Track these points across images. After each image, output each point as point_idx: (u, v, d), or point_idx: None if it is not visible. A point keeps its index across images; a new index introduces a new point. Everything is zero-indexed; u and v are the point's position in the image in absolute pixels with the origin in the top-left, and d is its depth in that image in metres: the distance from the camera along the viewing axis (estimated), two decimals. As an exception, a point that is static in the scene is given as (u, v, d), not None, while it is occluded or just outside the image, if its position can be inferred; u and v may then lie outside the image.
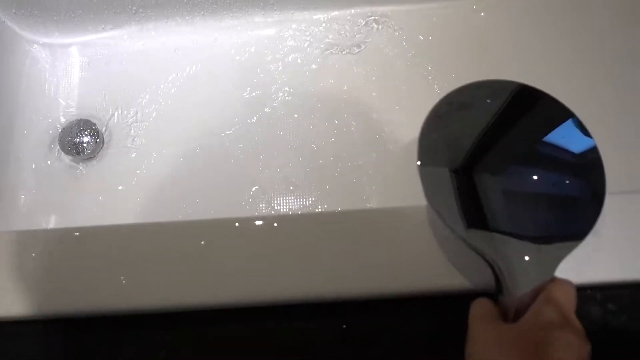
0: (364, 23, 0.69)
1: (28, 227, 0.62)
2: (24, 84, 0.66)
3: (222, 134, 0.65)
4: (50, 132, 0.65)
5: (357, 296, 0.41)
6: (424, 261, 0.41)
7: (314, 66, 0.68)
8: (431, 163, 0.39)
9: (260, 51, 0.68)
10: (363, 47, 0.69)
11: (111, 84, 0.67)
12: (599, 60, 0.64)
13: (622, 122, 0.59)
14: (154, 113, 0.66)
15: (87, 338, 0.41)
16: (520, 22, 0.68)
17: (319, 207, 0.62)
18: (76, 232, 0.40)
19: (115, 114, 0.66)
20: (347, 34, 0.69)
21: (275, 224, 0.41)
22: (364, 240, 0.42)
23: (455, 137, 0.40)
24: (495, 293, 0.37)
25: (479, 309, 0.37)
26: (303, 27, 0.69)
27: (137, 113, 0.66)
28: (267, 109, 0.66)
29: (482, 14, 0.69)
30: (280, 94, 0.67)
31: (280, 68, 0.68)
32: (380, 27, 0.69)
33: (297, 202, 0.63)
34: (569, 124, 0.40)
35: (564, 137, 0.39)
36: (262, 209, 0.62)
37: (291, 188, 0.63)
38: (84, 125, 0.65)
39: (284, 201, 0.63)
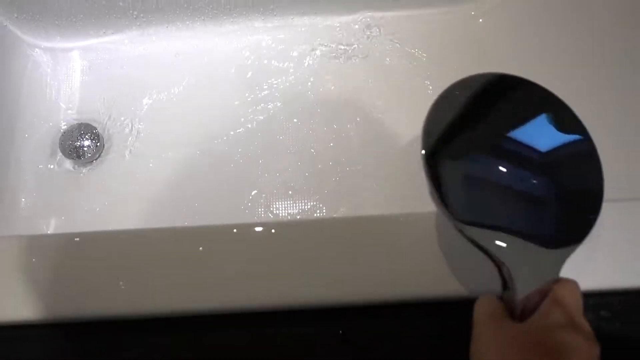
0: (364, 28, 0.70)
1: (28, 230, 0.62)
2: (25, 87, 0.66)
3: (222, 138, 0.66)
4: (51, 135, 0.66)
5: (355, 302, 0.42)
6: (423, 267, 0.42)
7: (313, 71, 0.69)
8: (436, 155, 0.38)
9: (260, 56, 0.69)
10: (363, 52, 0.69)
11: (112, 88, 0.67)
12: (599, 65, 0.64)
13: (623, 125, 0.60)
14: (155, 117, 0.67)
15: (87, 342, 0.42)
16: (519, 27, 0.69)
17: (318, 211, 0.63)
18: (76, 238, 0.41)
19: (116, 118, 0.67)
20: (347, 39, 0.70)
21: (273, 230, 0.41)
22: (361, 246, 0.42)
23: (460, 128, 0.39)
24: (502, 289, 0.37)
25: (485, 306, 0.36)
26: (303, 33, 0.69)
27: (137, 117, 0.67)
28: (266, 114, 0.67)
29: (481, 20, 0.69)
30: (280, 99, 0.67)
31: (280, 73, 0.68)
32: (380, 32, 0.70)
33: (296, 206, 0.63)
34: (567, 120, 0.40)
35: (561, 133, 0.39)
36: (261, 213, 0.63)
37: (290, 192, 0.64)
38: (85, 129, 0.66)
39: (283, 205, 0.63)
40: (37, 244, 0.41)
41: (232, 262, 0.41)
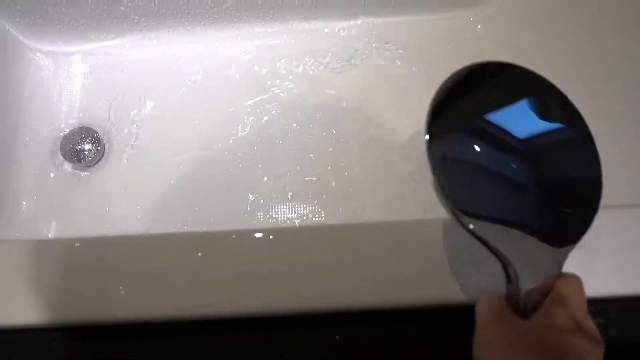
0: (363, 34, 0.70)
1: (29, 232, 0.62)
2: (27, 91, 0.67)
3: (222, 143, 0.66)
4: (52, 139, 0.66)
5: (352, 307, 0.42)
6: (422, 273, 0.42)
7: (313, 76, 0.69)
8: (439, 142, 0.37)
9: (260, 61, 0.69)
10: (362, 57, 0.70)
11: (113, 92, 0.68)
12: (599, 71, 0.64)
13: (624, 130, 0.60)
14: (155, 121, 0.67)
15: (88, 345, 0.42)
16: (518, 33, 0.69)
17: (317, 216, 0.63)
18: (77, 243, 0.41)
19: (117, 122, 0.67)
20: (347, 44, 0.70)
21: (271, 237, 0.42)
22: (358, 253, 0.43)
23: (462, 116, 0.39)
24: (505, 285, 0.36)
25: (488, 303, 0.36)
26: (302, 38, 0.70)
27: (138, 121, 0.67)
28: (266, 118, 0.67)
29: (479, 26, 0.69)
30: (279, 104, 0.68)
31: (280, 78, 0.69)
32: (379, 38, 0.70)
33: (295, 211, 0.63)
34: (568, 113, 0.40)
35: (560, 124, 0.39)
36: (260, 218, 0.63)
37: (289, 197, 0.64)
38: (86, 132, 0.66)
39: (282, 210, 0.64)
40: (37, 249, 0.41)
41: (231, 268, 0.42)
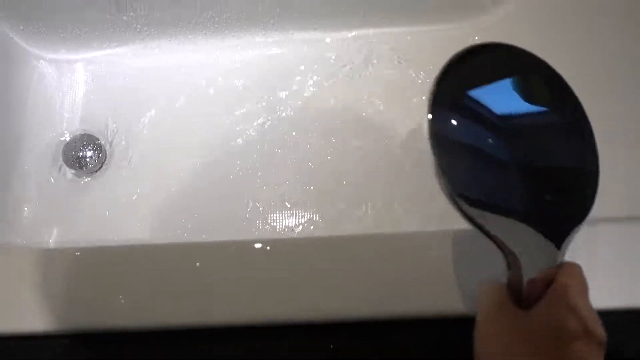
0: (362, 44, 0.71)
1: (31, 238, 0.63)
2: (30, 98, 0.68)
3: (222, 151, 0.67)
4: (55, 146, 0.67)
5: (347, 318, 0.43)
6: (419, 284, 0.42)
7: (312, 85, 0.70)
8: (441, 125, 0.36)
9: (260, 70, 0.70)
10: (361, 67, 0.70)
11: (115, 100, 0.69)
12: (600, 81, 0.65)
13: (625, 143, 0.60)
14: (156, 129, 0.68)
15: (90, 352, 0.43)
16: (517, 44, 0.70)
17: (315, 224, 0.64)
18: (77, 252, 0.42)
19: (118, 129, 0.68)
20: (346, 54, 0.71)
21: (269, 247, 0.43)
22: (356, 264, 0.43)
23: (464, 101, 0.38)
24: (507, 274, 0.36)
25: (490, 294, 0.35)
26: (303, 47, 0.71)
27: (139, 129, 0.68)
28: (265, 127, 0.68)
29: (477, 38, 0.70)
30: (279, 113, 0.68)
31: (280, 87, 0.69)
32: (378, 48, 0.71)
33: (293, 219, 0.64)
34: (563, 96, 0.40)
35: (558, 110, 0.39)
36: (259, 226, 0.64)
37: (288, 205, 0.65)
38: (87, 139, 0.67)
39: (281, 218, 0.64)
40: (38, 257, 0.42)
41: (229, 278, 0.42)
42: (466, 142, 0.37)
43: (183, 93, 0.69)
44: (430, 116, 0.36)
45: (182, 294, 0.42)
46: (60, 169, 0.66)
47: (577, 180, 0.37)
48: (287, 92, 0.69)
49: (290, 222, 0.64)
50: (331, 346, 0.43)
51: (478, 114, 0.37)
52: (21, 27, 0.66)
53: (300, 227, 0.64)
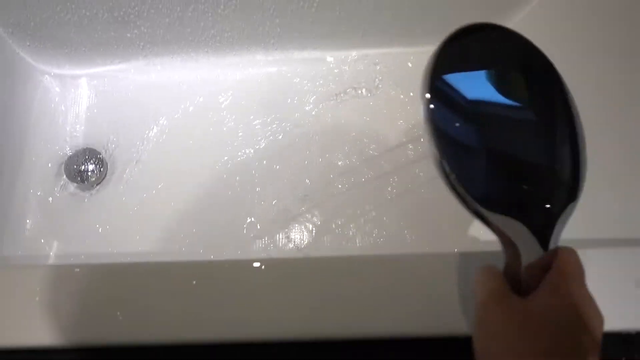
0: (361, 63, 0.72)
1: (32, 250, 0.64)
2: (34, 112, 0.69)
3: (221, 166, 0.68)
4: (57, 159, 0.68)
5: (341, 337, 0.43)
6: (414, 305, 0.43)
7: (311, 103, 0.71)
8: (442, 110, 0.35)
9: (260, 88, 0.71)
10: (359, 86, 0.72)
11: (117, 115, 0.70)
12: (602, 95, 0.65)
13: (624, 167, 0.61)
14: (157, 144, 0.69)
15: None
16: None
17: (311, 240, 0.65)
18: (77, 269, 0.43)
19: (120, 144, 0.69)
20: (345, 74, 0.72)
21: (263, 267, 0.44)
22: (352, 284, 0.44)
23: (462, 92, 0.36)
24: (504, 260, 0.35)
25: (487, 282, 0.35)
26: (302, 66, 0.72)
27: (140, 144, 0.69)
28: (264, 144, 0.69)
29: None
30: (278, 130, 0.70)
31: (279, 104, 0.71)
32: (377, 68, 0.72)
33: (290, 235, 0.65)
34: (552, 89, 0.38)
35: (538, 104, 0.37)
36: (256, 241, 0.65)
37: (285, 221, 0.66)
38: (90, 154, 0.68)
39: (278, 234, 0.65)
40: (37, 273, 0.43)
41: (225, 295, 0.43)
42: (459, 131, 0.36)
43: (184, 109, 0.71)
44: (428, 95, 0.35)
45: (179, 311, 0.43)
46: (62, 182, 0.68)
47: (552, 176, 0.36)
48: (286, 110, 0.71)
49: (286, 237, 0.65)
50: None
51: (452, 99, 0.36)
52: (27, 44, 0.68)
53: (298, 242, 0.65)
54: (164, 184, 0.67)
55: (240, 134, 0.70)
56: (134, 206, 0.66)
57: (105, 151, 0.69)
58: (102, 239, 0.65)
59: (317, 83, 0.72)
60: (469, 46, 0.38)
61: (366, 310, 0.43)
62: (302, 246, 0.65)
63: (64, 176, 0.67)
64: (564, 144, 0.36)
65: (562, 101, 0.37)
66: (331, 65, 0.73)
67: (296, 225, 0.66)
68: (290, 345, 0.44)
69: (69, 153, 0.69)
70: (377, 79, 0.72)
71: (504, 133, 0.36)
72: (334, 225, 0.66)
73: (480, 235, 0.64)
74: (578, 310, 0.31)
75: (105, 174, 0.68)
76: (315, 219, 0.66)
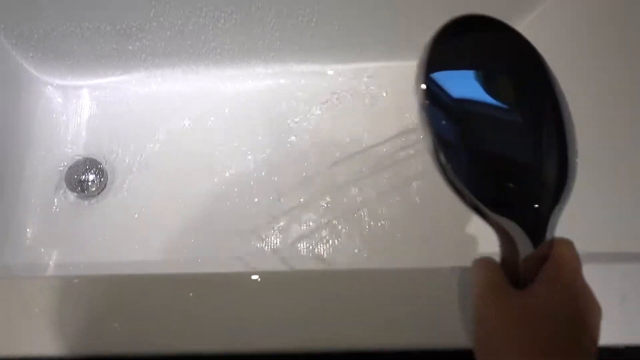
0: (359, 77, 0.73)
1: (33, 259, 0.65)
2: (37, 122, 0.70)
3: (220, 177, 0.69)
4: (58, 169, 0.69)
5: (341, 349, 0.44)
6: (410, 319, 0.44)
7: (310, 115, 0.72)
8: (436, 102, 0.35)
9: (260, 100, 0.72)
10: (357, 99, 0.73)
11: (118, 126, 0.71)
12: (602, 108, 0.66)
13: (619, 184, 0.61)
14: (157, 155, 0.70)
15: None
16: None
17: (309, 252, 0.65)
18: (76, 280, 0.44)
19: (120, 154, 0.70)
20: (343, 86, 0.73)
21: (259, 279, 0.44)
22: (350, 297, 0.44)
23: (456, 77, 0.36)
24: (500, 253, 0.35)
25: (484, 275, 0.34)
26: (302, 79, 0.73)
27: (140, 154, 0.70)
28: (263, 155, 0.70)
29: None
30: (276, 141, 0.71)
31: (278, 116, 0.72)
32: (375, 81, 0.73)
33: (288, 246, 0.66)
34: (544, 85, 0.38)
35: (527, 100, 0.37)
36: (254, 252, 0.66)
37: (282, 231, 0.66)
38: (90, 163, 0.69)
39: (275, 245, 0.66)
40: (36, 284, 0.44)
41: (223, 308, 0.44)
42: (440, 119, 0.35)
43: (184, 120, 0.71)
44: (423, 86, 0.35)
45: (174, 323, 0.43)
46: (62, 191, 0.68)
47: (539, 177, 0.35)
48: (285, 122, 0.72)
49: (284, 248, 0.66)
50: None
51: (445, 92, 0.35)
52: (31, 55, 0.69)
53: (294, 254, 0.66)
54: (163, 194, 0.68)
55: (240, 145, 0.70)
56: (133, 216, 0.67)
57: (106, 161, 0.70)
58: (102, 248, 0.65)
59: (317, 96, 0.73)
60: (462, 40, 0.38)
61: (365, 323, 0.44)
62: (302, 257, 0.66)
63: (65, 186, 0.68)
64: (550, 146, 0.36)
65: (550, 101, 0.37)
66: (331, 78, 0.74)
67: (295, 236, 0.66)
68: (288, 357, 0.45)
69: (70, 163, 0.69)
70: (376, 92, 0.73)
71: (490, 132, 0.36)
72: (334, 236, 0.66)
73: (480, 237, 0.64)
74: (576, 303, 0.31)
75: (106, 184, 0.69)
76: (314, 231, 0.66)
